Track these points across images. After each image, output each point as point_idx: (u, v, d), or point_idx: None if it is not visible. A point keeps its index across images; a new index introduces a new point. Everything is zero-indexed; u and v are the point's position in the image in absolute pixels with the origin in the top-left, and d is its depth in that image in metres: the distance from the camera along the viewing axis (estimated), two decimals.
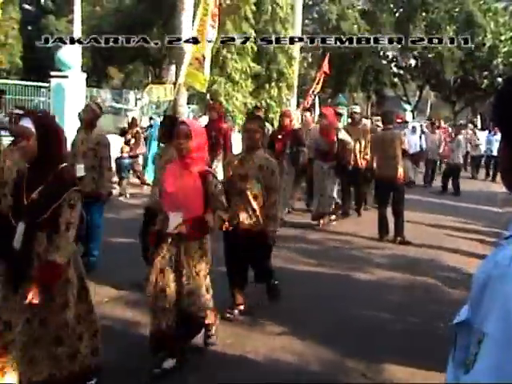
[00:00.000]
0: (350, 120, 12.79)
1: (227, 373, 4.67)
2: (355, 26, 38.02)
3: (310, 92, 19.08)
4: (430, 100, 55.23)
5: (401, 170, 9.76)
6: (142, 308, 5.85)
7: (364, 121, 13.96)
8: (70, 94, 16.74)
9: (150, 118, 16.45)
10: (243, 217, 5.74)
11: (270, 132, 12.37)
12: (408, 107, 49.19)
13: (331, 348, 5.25)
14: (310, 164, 11.09)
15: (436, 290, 7.34)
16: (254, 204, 5.72)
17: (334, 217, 11.36)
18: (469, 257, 9.12)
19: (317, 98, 20.63)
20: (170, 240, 4.59)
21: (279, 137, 10.72)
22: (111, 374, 4.42)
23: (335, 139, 10.48)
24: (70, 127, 15.82)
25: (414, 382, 4.67)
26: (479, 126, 28.35)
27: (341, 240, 9.79)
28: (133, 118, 16.13)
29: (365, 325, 5.94)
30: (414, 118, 44.17)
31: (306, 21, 38.59)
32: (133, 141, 14.86)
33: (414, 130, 20.16)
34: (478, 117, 31.85)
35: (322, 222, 10.94)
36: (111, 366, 4.46)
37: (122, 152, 14.31)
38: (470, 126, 24.10)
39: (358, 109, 12.71)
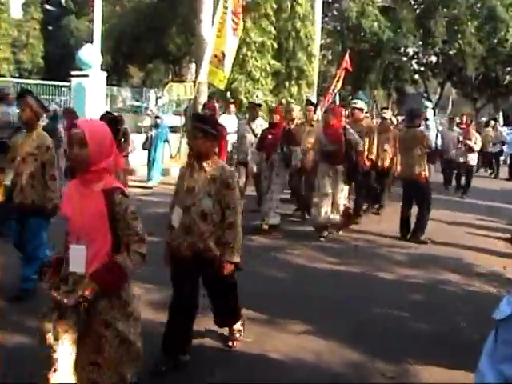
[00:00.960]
0: (351, 116, 11.71)
1: (246, 371, 4.66)
2: (375, 23, 37.78)
3: (331, 90, 19.03)
4: (451, 97, 54.83)
5: (423, 170, 9.63)
6: (160, 308, 5.87)
7: (391, 116, 13.73)
8: (90, 93, 16.86)
9: (157, 117, 15.59)
10: (188, 241, 4.63)
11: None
12: (429, 104, 48.66)
13: (351, 348, 5.22)
14: (314, 167, 9.93)
15: (457, 289, 7.27)
16: (202, 225, 4.58)
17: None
18: (490, 254, 9.05)
19: (337, 95, 20.57)
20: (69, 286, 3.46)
21: (269, 136, 9.81)
22: None
23: (342, 139, 9.31)
24: None
25: (436, 381, 4.63)
26: (501, 122, 28.00)
27: (362, 238, 9.73)
28: (119, 116, 15.53)
29: (385, 324, 5.90)
30: (435, 115, 43.84)
31: (326, 18, 38.51)
32: (123, 140, 14.09)
33: (427, 126, 19.31)
34: (500, 113, 31.54)
35: (326, 233, 9.64)
36: None
37: None
38: (492, 122, 23.68)
39: (360, 104, 11.62)
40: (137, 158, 14.98)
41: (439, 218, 11.58)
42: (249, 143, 10.96)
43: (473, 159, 16.33)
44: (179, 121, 16.94)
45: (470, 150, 15.92)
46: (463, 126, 18.18)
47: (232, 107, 14.25)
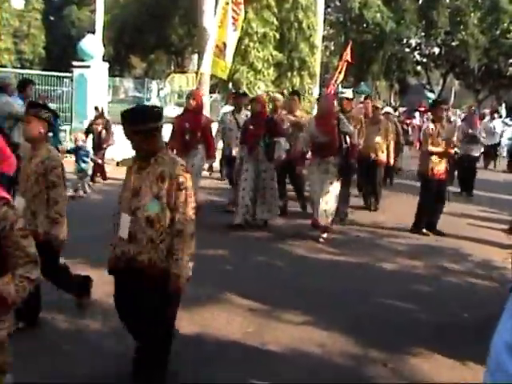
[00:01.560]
0: (339, 107, 10.55)
1: (245, 361, 4.67)
2: (378, 14, 37.69)
3: (333, 81, 18.98)
4: (453, 88, 54.71)
5: (429, 164, 9.38)
6: None
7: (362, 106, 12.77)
8: (92, 83, 16.85)
9: None
10: (133, 250, 3.95)
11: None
12: (431, 95, 48.78)
13: (352, 338, 5.23)
14: (302, 160, 9.32)
15: (458, 280, 7.27)
16: (149, 231, 3.89)
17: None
18: (492, 246, 9.04)
19: (339, 87, 20.52)
20: None
21: (251, 127, 9.13)
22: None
23: (335, 130, 8.55)
24: (93, 117, 15.96)
25: (437, 372, 4.64)
26: (504, 114, 27.92)
27: (363, 230, 9.72)
28: (97, 107, 14.17)
29: (386, 315, 5.90)
30: None
31: (329, 9, 38.40)
32: (104, 132, 13.27)
33: (427, 118, 18.46)
34: (503, 105, 31.47)
35: (323, 236, 8.80)
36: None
37: (76, 141, 12.22)
38: (496, 115, 23.51)
39: (348, 93, 11.12)
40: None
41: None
42: (234, 136, 10.36)
43: (475, 150, 15.26)
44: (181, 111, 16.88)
45: (474, 140, 15.32)
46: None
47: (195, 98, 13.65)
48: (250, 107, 9.86)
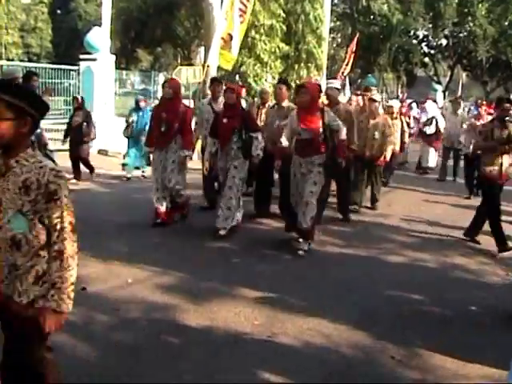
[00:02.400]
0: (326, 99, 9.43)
1: (253, 353, 4.66)
2: (385, 6, 37.54)
3: (340, 73, 18.92)
4: (461, 80, 54.47)
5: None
6: (168, 291, 5.90)
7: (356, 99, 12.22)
8: (98, 76, 16.84)
9: (137, 101, 12.94)
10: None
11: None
12: (439, 87, 48.52)
13: (360, 331, 5.22)
14: (285, 161, 7.89)
15: (467, 272, 7.24)
16: (18, 258, 2.97)
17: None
18: None
19: (347, 78, 20.46)
20: None
21: (224, 120, 8.03)
22: (134, 359, 4.45)
23: (320, 124, 7.42)
24: (99, 110, 15.99)
25: (444, 364, 4.63)
26: None
27: (371, 222, 9.70)
28: (77, 97, 12.90)
29: (394, 307, 5.89)
30: (444, 98, 43.62)
31: (336, 0, 38.28)
32: (85, 125, 11.95)
33: (423, 110, 17.48)
34: (511, 97, 31.28)
35: (303, 243, 7.69)
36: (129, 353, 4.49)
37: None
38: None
39: (335, 84, 9.76)
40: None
41: (447, 202, 11.60)
42: None
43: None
44: (188, 104, 16.88)
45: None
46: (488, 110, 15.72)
47: (243, 91, 12.53)
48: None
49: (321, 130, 7.44)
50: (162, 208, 8.44)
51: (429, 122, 16.09)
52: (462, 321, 5.61)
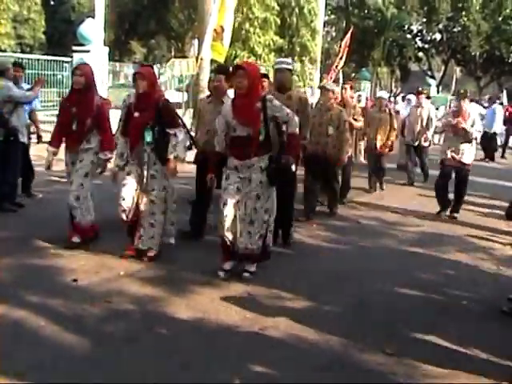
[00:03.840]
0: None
1: (243, 347, 4.66)
2: (379, 0, 37.53)
3: (334, 67, 18.89)
4: (455, 75, 54.54)
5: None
6: (160, 284, 5.89)
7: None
8: (92, 68, 16.76)
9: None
10: None
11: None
12: (433, 82, 48.65)
13: (352, 324, 5.23)
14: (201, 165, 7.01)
15: (459, 267, 7.26)
16: None
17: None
18: (493, 233, 9.03)
19: (340, 72, 20.43)
20: None
21: (136, 114, 6.38)
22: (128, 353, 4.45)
23: (260, 117, 5.90)
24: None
25: (437, 359, 4.64)
26: (505, 102, 27.79)
27: (364, 216, 9.71)
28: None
29: (386, 301, 5.89)
30: (438, 92, 43.71)
31: None
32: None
33: (408, 102, 16.92)
34: (504, 92, 31.35)
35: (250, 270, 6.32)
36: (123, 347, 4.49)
37: None
38: (498, 101, 23.38)
39: (285, 64, 7.63)
40: None
41: None
42: None
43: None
44: (181, 97, 16.83)
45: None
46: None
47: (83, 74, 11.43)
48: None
49: (261, 124, 5.94)
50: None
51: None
52: (455, 315, 5.63)
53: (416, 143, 13.07)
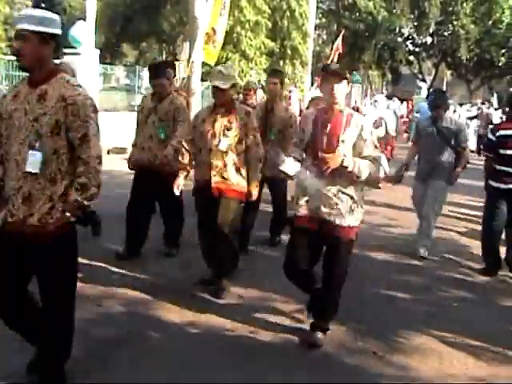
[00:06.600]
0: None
1: (232, 349, 4.66)
2: (370, 3, 37.61)
3: None
4: (445, 78, 54.76)
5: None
6: (151, 288, 5.89)
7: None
8: (82, 71, 16.70)
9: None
10: None
11: None
12: (424, 85, 48.82)
13: (342, 327, 5.23)
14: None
15: (452, 269, 7.28)
16: None
17: None
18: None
19: None
20: None
21: None
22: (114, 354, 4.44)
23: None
24: None
25: (427, 363, 4.65)
26: (495, 105, 27.92)
27: None
28: None
29: (376, 304, 5.91)
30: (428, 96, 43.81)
31: None
32: None
33: (376, 104, 14.93)
34: (494, 96, 31.45)
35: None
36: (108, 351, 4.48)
37: None
38: (486, 104, 23.48)
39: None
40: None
41: None
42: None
43: None
44: None
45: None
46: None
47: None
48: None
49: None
50: None
51: (376, 123, 13.33)
52: (444, 317, 5.64)
53: None
